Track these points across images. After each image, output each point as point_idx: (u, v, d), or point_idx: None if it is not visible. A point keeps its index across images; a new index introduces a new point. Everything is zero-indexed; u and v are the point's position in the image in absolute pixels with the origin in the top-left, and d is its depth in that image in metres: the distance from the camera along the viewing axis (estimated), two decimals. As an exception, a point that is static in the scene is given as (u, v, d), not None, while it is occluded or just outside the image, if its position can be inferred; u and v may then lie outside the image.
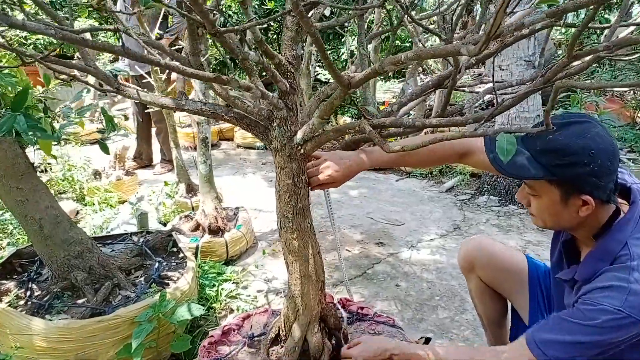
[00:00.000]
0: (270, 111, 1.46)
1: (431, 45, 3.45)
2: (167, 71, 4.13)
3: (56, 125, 2.05)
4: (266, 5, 6.08)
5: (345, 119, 6.37)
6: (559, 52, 6.78)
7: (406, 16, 1.25)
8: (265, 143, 1.51)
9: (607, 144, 1.25)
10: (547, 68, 1.47)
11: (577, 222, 1.34)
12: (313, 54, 6.01)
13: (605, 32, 1.12)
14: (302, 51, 1.51)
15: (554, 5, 1.30)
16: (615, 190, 1.30)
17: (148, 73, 3.73)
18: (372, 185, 4.80)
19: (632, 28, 1.33)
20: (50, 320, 1.94)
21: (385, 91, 8.97)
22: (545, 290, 1.84)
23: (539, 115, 3.96)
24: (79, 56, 1.44)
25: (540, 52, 3.89)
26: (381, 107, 5.89)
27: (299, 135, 1.45)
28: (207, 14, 0.95)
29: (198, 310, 2.06)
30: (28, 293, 2.14)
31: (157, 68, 3.48)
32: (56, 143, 2.21)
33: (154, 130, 5.32)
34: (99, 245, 2.40)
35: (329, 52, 7.30)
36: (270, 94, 1.40)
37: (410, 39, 7.20)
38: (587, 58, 0.99)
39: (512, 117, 3.96)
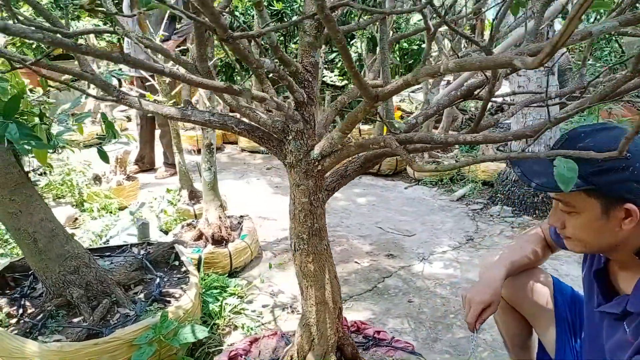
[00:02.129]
0: (285, 123, 1.33)
1: (448, 51, 3.31)
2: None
3: (54, 131, 1.93)
4: (274, 6, 5.91)
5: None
6: (572, 57, 6.63)
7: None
8: (280, 158, 1.38)
9: None
10: (589, 82, 1.33)
11: (620, 238, 1.19)
12: (321, 57, 5.87)
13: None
14: (320, 58, 1.37)
15: (604, 8, 1.15)
16: None
17: (152, 75, 3.60)
18: (381, 193, 4.66)
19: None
20: (43, 342, 1.80)
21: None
22: (571, 315, 1.70)
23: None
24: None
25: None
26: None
27: (317, 150, 1.32)
28: (219, 17, 0.82)
29: (202, 332, 1.92)
30: (20, 311, 2.01)
31: (161, 71, 3.34)
32: (52, 151, 2.07)
33: (157, 132, 5.19)
34: (96, 257, 2.27)
35: (334, 56, 7.14)
36: (285, 105, 1.26)
37: (418, 41, 7.04)
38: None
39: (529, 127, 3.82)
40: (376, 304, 2.80)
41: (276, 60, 1.17)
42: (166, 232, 3.53)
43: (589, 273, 1.42)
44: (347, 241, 3.62)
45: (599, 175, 1.13)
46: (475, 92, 1.47)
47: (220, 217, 3.25)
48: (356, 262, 3.30)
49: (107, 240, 3.30)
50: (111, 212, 3.75)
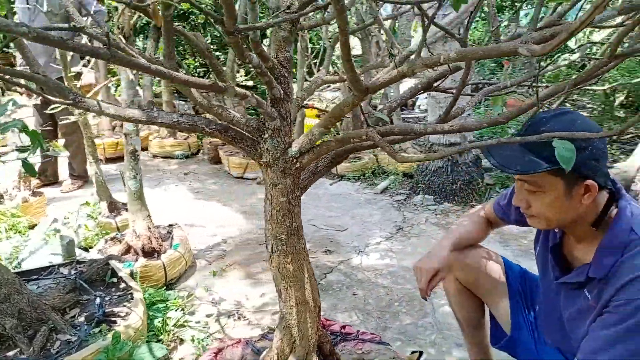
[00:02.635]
0: (260, 121, 1.29)
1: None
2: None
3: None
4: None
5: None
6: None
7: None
8: (254, 157, 1.33)
9: (596, 129, 1.24)
10: (538, 71, 1.44)
11: (580, 212, 1.30)
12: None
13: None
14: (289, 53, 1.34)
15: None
16: (608, 175, 1.30)
17: (60, 78, 3.29)
18: (309, 191, 4.67)
19: None
20: (-24, 384, 1.58)
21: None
22: (522, 289, 1.83)
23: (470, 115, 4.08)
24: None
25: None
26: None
27: (295, 147, 1.29)
28: (233, 9, 0.77)
29: (160, 350, 1.80)
30: (-60, 352, 1.75)
31: (72, 70, 3.06)
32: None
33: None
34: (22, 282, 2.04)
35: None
36: (264, 102, 1.22)
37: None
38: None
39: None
40: (322, 301, 2.79)
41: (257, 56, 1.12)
42: (87, 249, 3.26)
43: (545, 250, 1.53)
44: (282, 241, 3.59)
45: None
46: (435, 84, 1.53)
47: (149, 228, 3.07)
48: (295, 261, 3.29)
49: (19, 263, 2.97)
50: (20, 232, 3.37)
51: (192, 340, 2.39)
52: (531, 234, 2.20)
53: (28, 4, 3.87)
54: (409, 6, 1.26)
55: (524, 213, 1.39)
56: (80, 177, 4.81)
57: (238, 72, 8.33)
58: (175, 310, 2.63)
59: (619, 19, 1.49)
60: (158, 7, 1.05)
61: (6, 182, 3.90)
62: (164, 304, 2.61)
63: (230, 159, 5.35)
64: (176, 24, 1.12)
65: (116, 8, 3.58)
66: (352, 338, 1.85)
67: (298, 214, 1.38)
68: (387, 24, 4.15)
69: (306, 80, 4.23)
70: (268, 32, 3.93)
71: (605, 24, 1.23)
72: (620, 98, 6.09)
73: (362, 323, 2.59)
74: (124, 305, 2.11)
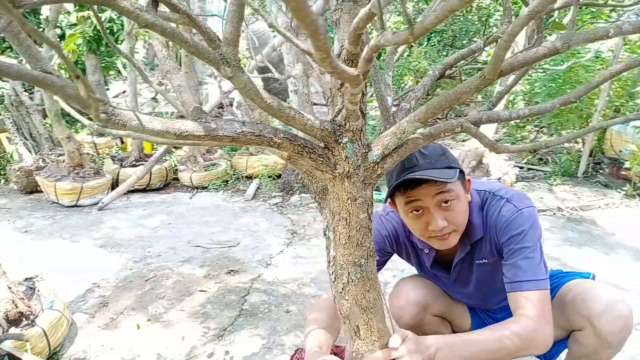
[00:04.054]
0: (336, 123, 1.01)
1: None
2: None
3: None
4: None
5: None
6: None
7: None
8: (325, 170, 1.04)
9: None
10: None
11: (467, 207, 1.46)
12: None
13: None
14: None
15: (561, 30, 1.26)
16: None
17: None
18: (167, 209, 4.14)
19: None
20: None
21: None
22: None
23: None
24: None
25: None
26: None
27: (376, 150, 1.05)
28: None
29: None
30: None
31: None
32: None
33: None
34: None
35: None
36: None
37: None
38: None
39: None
40: (257, 327, 2.49)
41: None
42: None
43: (430, 269, 1.68)
44: (172, 272, 3.09)
45: (455, 161, 1.39)
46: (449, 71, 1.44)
47: (10, 288, 2.31)
48: (201, 290, 2.86)
49: None
50: None
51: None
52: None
53: None
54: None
55: (442, 235, 1.42)
56: None
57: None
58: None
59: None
60: None
61: None
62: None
63: (58, 185, 4.42)
64: None
65: None
66: None
67: (372, 230, 1.13)
68: None
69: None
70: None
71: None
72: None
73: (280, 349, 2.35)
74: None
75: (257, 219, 3.88)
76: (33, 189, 4.84)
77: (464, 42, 7.83)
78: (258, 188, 4.50)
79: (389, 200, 1.47)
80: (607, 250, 3.36)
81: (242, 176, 4.75)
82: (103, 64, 6.31)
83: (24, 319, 2.30)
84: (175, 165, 4.73)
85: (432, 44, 7.85)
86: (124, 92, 8.87)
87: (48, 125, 5.11)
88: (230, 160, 4.93)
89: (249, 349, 2.32)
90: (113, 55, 6.34)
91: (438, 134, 1.07)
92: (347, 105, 0.95)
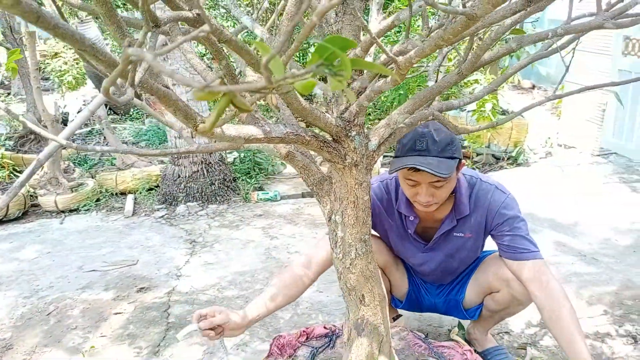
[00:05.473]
0: (345, 119, 1.18)
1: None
2: None
3: None
4: None
5: None
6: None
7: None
8: (337, 161, 1.20)
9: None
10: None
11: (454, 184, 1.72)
12: None
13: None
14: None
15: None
16: None
17: None
18: (38, 238, 3.73)
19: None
20: None
21: None
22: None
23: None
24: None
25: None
26: None
27: (374, 140, 1.25)
28: None
29: None
30: None
31: None
32: None
33: None
34: None
35: None
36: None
37: None
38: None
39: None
40: (192, 336, 2.47)
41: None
42: None
43: (405, 238, 1.90)
44: (75, 301, 2.85)
45: (458, 150, 1.62)
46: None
47: None
48: (116, 313, 2.71)
49: None
50: None
51: None
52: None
53: None
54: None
55: (427, 204, 1.65)
56: None
57: None
58: None
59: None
60: None
61: None
62: None
63: None
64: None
65: None
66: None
67: (369, 208, 1.32)
68: None
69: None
70: None
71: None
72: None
73: (261, 339, 2.44)
74: None
75: (147, 234, 3.73)
76: None
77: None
78: (135, 203, 4.30)
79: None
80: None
81: (113, 193, 4.47)
82: None
83: None
84: (34, 190, 4.26)
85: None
86: None
87: None
88: (94, 178, 4.61)
89: (191, 357, 2.32)
90: None
91: (417, 122, 1.30)
92: (362, 102, 1.12)
